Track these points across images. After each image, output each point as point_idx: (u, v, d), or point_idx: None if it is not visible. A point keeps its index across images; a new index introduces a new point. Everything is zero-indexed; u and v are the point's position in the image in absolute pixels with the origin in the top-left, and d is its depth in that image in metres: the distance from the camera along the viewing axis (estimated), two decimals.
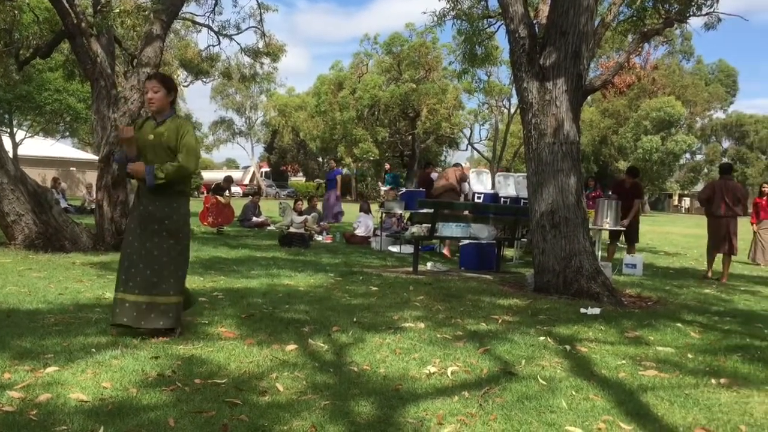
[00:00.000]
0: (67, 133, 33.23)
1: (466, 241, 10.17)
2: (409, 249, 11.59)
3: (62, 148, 40.59)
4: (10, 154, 10.48)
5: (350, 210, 24.17)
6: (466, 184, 12.97)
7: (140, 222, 4.63)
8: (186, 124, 4.73)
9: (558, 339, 5.13)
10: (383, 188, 19.13)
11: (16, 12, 13.96)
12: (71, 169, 38.30)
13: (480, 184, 14.23)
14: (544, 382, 3.96)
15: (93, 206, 13.00)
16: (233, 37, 17.03)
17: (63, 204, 16.26)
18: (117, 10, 10.56)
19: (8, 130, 22.36)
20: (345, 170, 48.02)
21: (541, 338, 5.13)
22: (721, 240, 10.25)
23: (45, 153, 36.75)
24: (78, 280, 7.01)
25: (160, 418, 3.11)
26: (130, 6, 10.96)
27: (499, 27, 14.23)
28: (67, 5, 10.24)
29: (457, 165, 13.60)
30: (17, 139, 25.54)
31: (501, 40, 29.28)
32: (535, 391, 3.80)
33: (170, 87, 4.73)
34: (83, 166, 38.61)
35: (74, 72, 16.60)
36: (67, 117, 24.32)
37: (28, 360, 3.89)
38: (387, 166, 21.60)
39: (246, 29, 17.27)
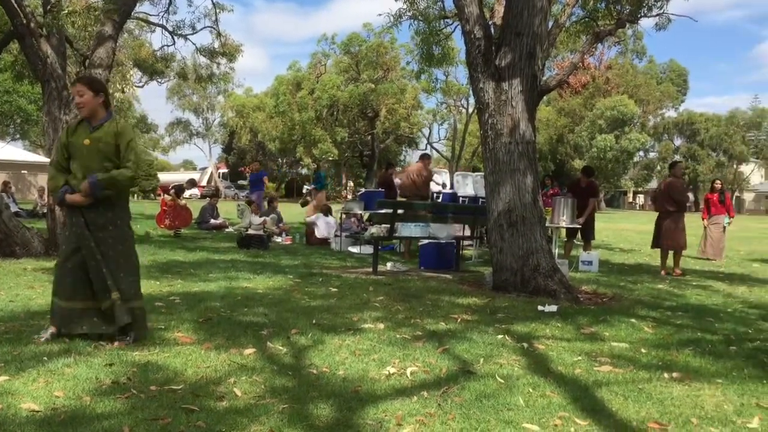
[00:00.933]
0: (18, 136, 32.45)
1: (426, 241, 10.22)
2: (369, 249, 11.60)
3: (13, 151, 39.48)
4: None
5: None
6: (435, 181, 12.94)
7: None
8: (126, 130, 4.61)
9: (516, 337, 5.19)
10: (307, 187, 19.03)
11: None
12: (22, 172, 37.32)
13: (438, 184, 14.31)
14: (502, 380, 4.00)
15: (45, 210, 12.69)
16: (188, 37, 16.79)
17: (14, 208, 15.86)
18: (67, 11, 10.32)
19: None
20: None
21: (500, 336, 5.18)
22: (661, 236, 10.58)
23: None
24: (29, 286, 6.84)
25: (115, 426, 3.06)
26: (81, 6, 10.73)
27: (455, 28, 14.33)
28: (15, 5, 9.97)
29: (425, 156, 13.41)
30: None
31: (458, 41, 29.53)
32: (493, 389, 3.84)
33: (97, 89, 4.57)
34: (35, 168, 37.66)
35: (24, 73, 16.18)
36: (18, 119, 23.76)
37: None
38: (315, 166, 21.23)
39: (201, 29, 17.02)
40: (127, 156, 4.50)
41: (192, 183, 17.90)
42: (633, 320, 6.10)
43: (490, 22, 8.60)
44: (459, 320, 5.81)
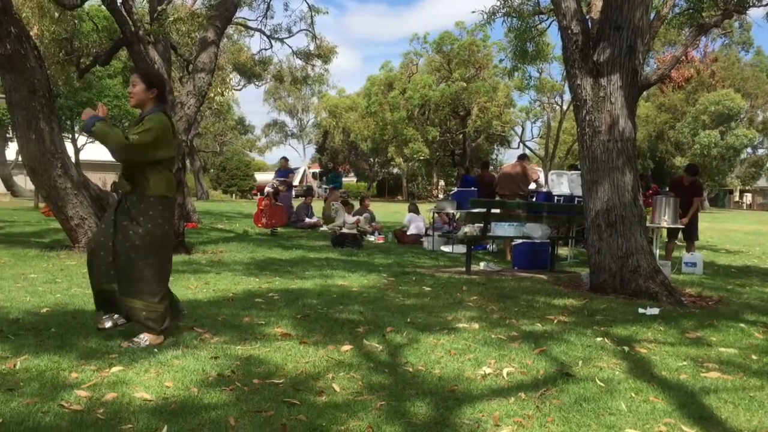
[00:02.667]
0: None
1: (520, 241, 10.09)
2: (461, 249, 11.56)
3: None
4: (73, 160, 10.84)
5: (400, 209, 24.19)
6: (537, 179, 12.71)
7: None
8: (152, 120, 4.45)
9: (616, 340, 5.05)
10: (325, 187, 18.52)
11: (76, 21, 14.47)
12: None
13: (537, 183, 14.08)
14: (603, 384, 3.90)
15: None
16: (285, 40, 17.29)
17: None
18: (172, 18, 10.82)
19: (70, 136, 23.10)
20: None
21: (599, 339, 5.05)
22: None
23: (105, 157, 37.85)
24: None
25: (221, 417, 3.18)
26: (185, 13, 11.22)
27: (550, 23, 14.07)
28: (125, 13, 10.54)
29: (522, 157, 13.18)
30: (78, 144, 26.44)
31: (553, 37, 28.92)
32: (593, 392, 3.75)
33: (150, 82, 4.55)
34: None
35: None
36: (126, 122, 24.97)
37: (94, 360, 4.02)
38: (331, 167, 20.14)
39: (297, 32, 17.53)
40: (137, 130, 4.39)
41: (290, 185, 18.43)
42: (742, 325, 5.80)
43: (587, 17, 8.40)
44: (555, 321, 5.70)
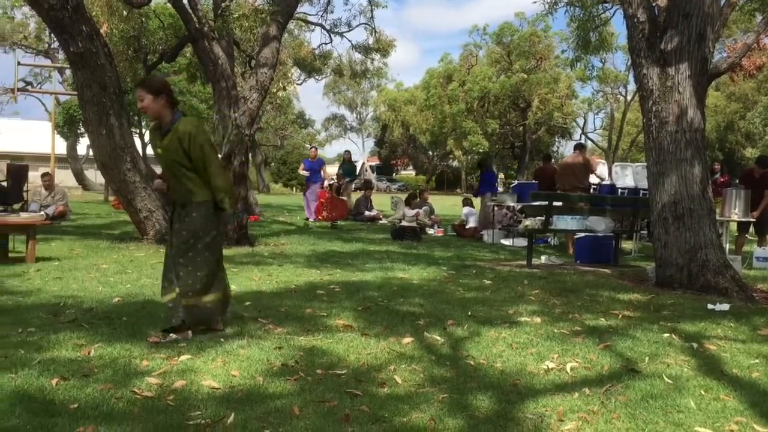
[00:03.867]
0: None
1: (582, 234, 9.91)
2: (521, 242, 11.43)
3: None
4: (141, 154, 11.18)
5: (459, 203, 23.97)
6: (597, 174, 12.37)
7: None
8: (187, 132, 4.32)
9: (684, 336, 4.92)
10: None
11: (143, 19, 14.88)
12: None
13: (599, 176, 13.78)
14: (670, 381, 3.81)
15: None
16: (344, 34, 17.38)
17: None
18: (236, 14, 11.01)
19: (138, 131, 23.76)
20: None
21: (665, 335, 4.92)
22: None
23: None
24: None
25: (286, 406, 3.24)
26: (248, 9, 11.41)
27: (615, 12, 13.77)
28: (190, 10, 10.78)
29: (580, 146, 12.79)
30: (146, 139, 27.11)
31: (617, 26, 28.20)
32: (661, 389, 3.66)
33: (156, 90, 4.32)
34: None
35: (196, 74, 17.47)
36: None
37: (164, 348, 4.15)
38: (346, 156, 18.23)
39: (357, 26, 17.61)
40: (199, 168, 4.37)
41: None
42: None
43: (653, 4, 8.17)
44: (620, 316, 5.59)
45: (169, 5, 13.58)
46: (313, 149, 17.41)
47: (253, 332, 4.59)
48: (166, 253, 4.64)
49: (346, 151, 18.85)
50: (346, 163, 17.21)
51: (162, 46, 15.63)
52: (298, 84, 36.40)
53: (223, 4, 10.89)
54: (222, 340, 4.36)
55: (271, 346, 4.26)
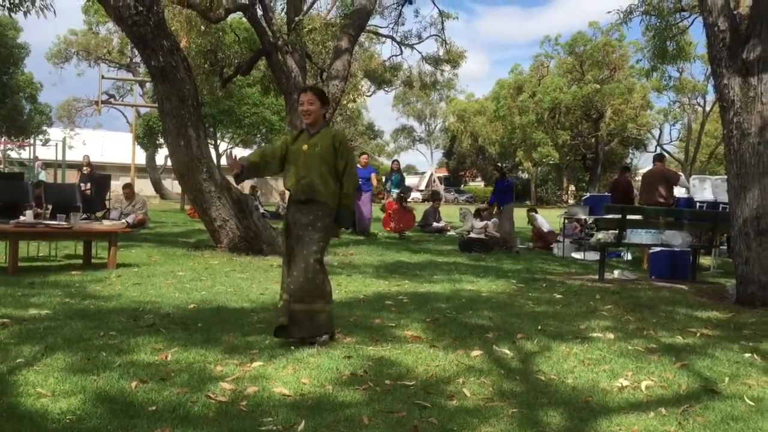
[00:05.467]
0: (263, 144, 35.81)
1: (657, 249, 9.63)
2: (593, 256, 11.19)
3: None
4: (215, 164, 11.50)
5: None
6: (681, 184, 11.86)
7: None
8: (340, 135, 4.90)
9: (766, 356, 4.71)
10: (391, 192, 15.50)
11: (220, 33, 15.33)
12: (266, 177, 41.13)
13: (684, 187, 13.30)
14: (752, 403, 3.65)
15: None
16: (415, 46, 17.47)
17: (261, 210, 17.52)
18: (308, 28, 11.23)
19: (213, 142, 24.49)
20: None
21: (747, 355, 4.73)
22: None
23: None
24: (276, 281, 7.50)
25: (355, 415, 3.27)
26: (320, 23, 11.62)
27: (693, 20, 13.39)
28: (264, 25, 11.07)
29: (660, 157, 12.38)
30: (220, 150, 27.95)
31: (696, 35, 27.36)
32: (742, 411, 3.52)
33: (324, 100, 4.88)
34: (277, 174, 41.25)
35: (270, 87, 17.87)
36: (263, 129, 26.17)
37: (237, 355, 4.25)
38: (394, 165, 17.16)
39: (427, 38, 17.65)
40: (341, 169, 4.71)
41: (406, 191, 18.10)
42: None
43: (735, 12, 7.91)
44: (698, 335, 5.40)
45: (244, 20, 14.00)
46: (364, 156, 16.87)
47: (321, 341, 4.64)
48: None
49: (394, 161, 18.37)
50: (395, 173, 16.54)
51: (237, 60, 16.04)
52: (367, 95, 36.78)
53: (296, 19, 11.13)
54: (292, 347, 4.44)
55: (341, 355, 4.31)
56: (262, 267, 8.74)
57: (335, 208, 4.70)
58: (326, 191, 4.66)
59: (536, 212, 14.66)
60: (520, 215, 15.09)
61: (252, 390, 3.57)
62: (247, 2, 11.34)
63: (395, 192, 15.39)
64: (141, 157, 33.66)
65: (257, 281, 7.45)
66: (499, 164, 15.70)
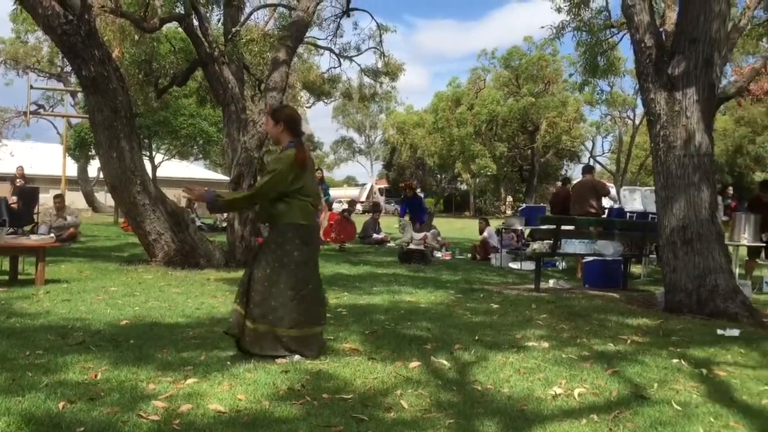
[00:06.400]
0: (200, 156, 35.22)
1: (591, 258, 9.88)
2: (529, 266, 11.40)
3: (195, 170, 43.06)
4: (150, 176, 11.26)
5: (467, 225, 23.98)
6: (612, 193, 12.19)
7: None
8: (275, 158, 4.78)
9: (693, 362, 4.88)
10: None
11: (155, 44, 15.03)
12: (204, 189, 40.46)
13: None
14: (679, 408, 3.77)
15: (224, 225, 13.68)
16: (353, 58, 17.51)
17: (197, 223, 17.22)
18: (245, 39, 11.12)
19: (148, 154, 23.93)
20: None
21: (675, 360, 4.89)
22: None
23: (180, 174, 39.17)
24: (212, 295, 7.40)
25: (292, 430, 3.23)
26: (258, 34, 11.52)
27: (622, 37, 13.84)
28: (200, 35, 10.92)
29: (589, 168, 12.73)
30: (156, 161, 27.44)
31: (624, 50, 28.30)
32: (670, 416, 3.63)
33: (276, 118, 4.77)
34: (215, 186, 40.39)
35: (206, 98, 17.62)
36: (200, 140, 25.71)
37: (170, 371, 4.15)
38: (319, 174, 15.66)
39: (366, 50, 17.71)
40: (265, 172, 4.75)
41: (353, 204, 18.09)
42: None
43: (661, 29, 8.22)
44: (629, 342, 5.55)
45: (180, 30, 13.76)
46: (318, 171, 16.68)
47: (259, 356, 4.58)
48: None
49: (317, 169, 17.80)
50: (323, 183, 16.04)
51: (173, 70, 15.76)
52: (307, 107, 36.66)
53: (233, 30, 11.02)
54: (228, 363, 4.36)
55: (278, 369, 4.25)
56: (198, 281, 8.58)
57: (287, 225, 4.62)
58: (276, 212, 4.63)
59: (488, 224, 14.83)
60: (470, 225, 15.26)
61: (186, 408, 3.49)
62: (183, 12, 11.17)
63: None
64: (72, 169, 32.63)
65: (193, 296, 7.31)
66: (411, 181, 15.76)
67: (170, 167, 36.01)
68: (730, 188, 15.22)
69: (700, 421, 3.55)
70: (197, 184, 40.01)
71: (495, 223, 15.67)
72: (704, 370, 4.62)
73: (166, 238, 9.85)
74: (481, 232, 14.75)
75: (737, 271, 9.50)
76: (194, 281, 8.56)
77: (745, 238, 9.68)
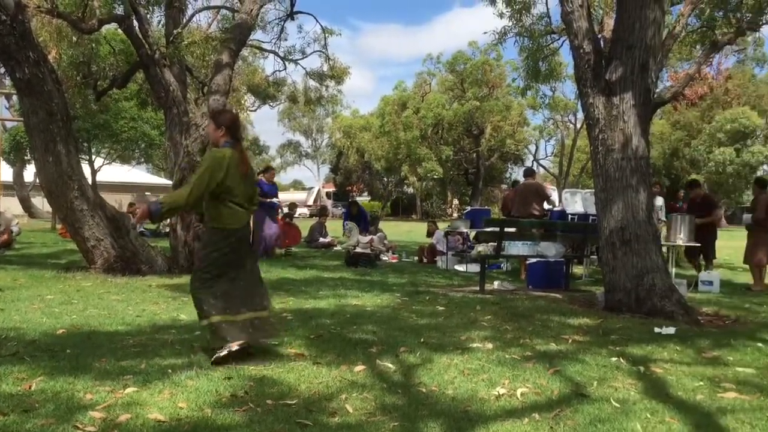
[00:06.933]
0: (142, 160, 34.49)
1: (534, 260, 10.04)
2: (475, 268, 11.52)
3: (137, 174, 42.16)
4: (90, 181, 10.96)
5: (414, 228, 24.09)
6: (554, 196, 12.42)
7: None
8: (209, 153, 4.81)
9: (631, 359, 5.01)
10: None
11: (93, 45, 14.67)
12: (146, 193, 39.70)
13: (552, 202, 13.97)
14: (618, 405, 3.87)
15: (167, 230, 13.40)
16: (299, 61, 17.44)
17: (139, 228, 16.83)
18: (187, 41, 10.94)
19: (87, 158, 23.31)
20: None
21: (614, 359, 5.01)
22: None
23: (121, 179, 38.27)
24: (154, 302, 7.25)
25: None
26: (200, 37, 11.36)
27: (563, 43, 14.13)
28: (141, 37, 10.69)
29: (531, 172, 12.95)
30: (95, 166, 26.76)
31: (565, 56, 28.96)
32: (608, 413, 3.72)
33: (218, 123, 4.80)
34: (158, 190, 39.95)
35: (148, 101, 17.29)
36: (142, 144, 25.19)
37: (109, 381, 4.04)
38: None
39: (311, 53, 17.67)
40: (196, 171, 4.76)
41: (293, 207, 17.92)
42: (759, 344, 5.73)
43: (599, 36, 8.43)
44: (570, 341, 5.67)
45: (120, 31, 13.45)
46: (271, 172, 15.33)
47: (202, 362, 4.51)
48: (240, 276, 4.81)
49: (270, 169, 15.69)
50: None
51: (113, 72, 15.41)
52: (252, 110, 36.31)
53: (174, 31, 10.83)
54: (169, 371, 4.27)
55: (221, 376, 4.19)
56: (139, 288, 8.38)
57: (214, 229, 4.74)
58: (207, 215, 4.78)
59: (437, 226, 14.95)
60: (416, 228, 15.33)
61: (124, 417, 3.41)
62: (123, 13, 10.92)
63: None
64: (7, 174, 31.55)
65: (134, 303, 7.14)
66: (352, 199, 15.76)
67: (111, 172, 35.19)
68: (682, 192, 15.69)
69: (637, 417, 3.65)
70: (139, 189, 39.28)
71: (441, 226, 15.77)
72: (642, 368, 4.75)
73: (105, 244, 9.61)
74: (430, 234, 14.86)
75: (673, 270, 9.80)
76: (135, 288, 8.36)
77: (681, 238, 10.00)
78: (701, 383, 4.40)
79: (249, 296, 4.80)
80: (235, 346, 4.50)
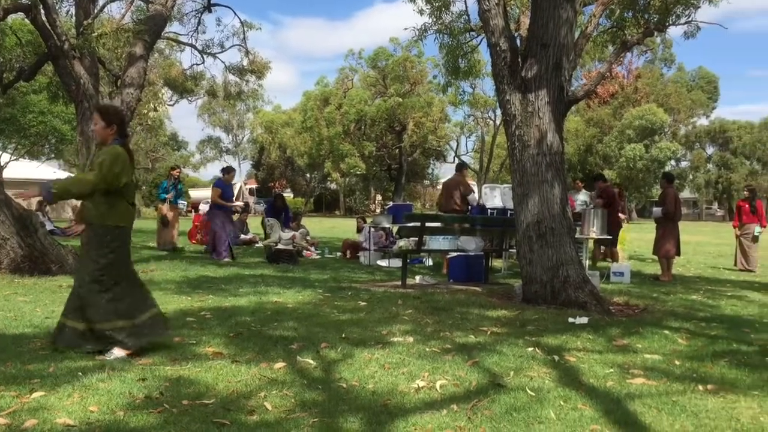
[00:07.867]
0: (53, 155, 33.12)
1: (455, 254, 10.19)
2: (397, 263, 11.60)
3: (48, 170, 40.34)
4: None
5: (337, 225, 24.13)
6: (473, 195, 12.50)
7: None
8: (104, 152, 4.70)
9: (546, 349, 5.15)
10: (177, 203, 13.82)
11: None
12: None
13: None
14: (533, 393, 3.97)
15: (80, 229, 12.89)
16: (217, 55, 17.09)
17: (49, 226, 16.13)
18: (97, 33, 10.55)
19: None
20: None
21: (530, 349, 5.14)
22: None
23: (31, 175, 36.58)
24: (64, 303, 6.95)
25: None
26: (110, 28, 10.96)
27: (481, 40, 14.33)
28: (49, 28, 10.24)
29: (461, 166, 13.05)
30: (2, 162, 25.51)
31: (484, 53, 29.45)
32: (524, 402, 3.81)
33: (109, 120, 4.76)
34: None
35: (58, 94, 16.57)
36: (52, 139, 24.25)
37: (14, 385, 3.85)
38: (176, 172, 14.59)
39: (230, 47, 17.35)
40: (94, 167, 4.67)
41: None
42: (666, 332, 6.01)
43: (515, 34, 8.62)
44: (488, 333, 5.78)
45: (27, 21, 12.84)
46: (176, 170, 14.72)
47: (114, 364, 4.36)
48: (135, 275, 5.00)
49: (175, 168, 15.31)
50: (179, 182, 14.48)
51: (19, 64, 14.71)
52: (169, 105, 35.39)
53: (85, 22, 10.42)
54: (80, 373, 4.11)
55: (134, 378, 4.06)
56: (49, 288, 8.04)
57: (107, 226, 4.72)
58: (96, 212, 4.70)
59: (365, 222, 14.99)
60: (340, 224, 15.28)
61: (31, 423, 3.26)
62: (29, 2, 10.43)
63: (182, 203, 14.47)
64: None
65: (42, 304, 6.84)
66: (276, 193, 15.78)
67: (20, 168, 33.65)
68: (579, 182, 16.29)
69: (551, 405, 3.76)
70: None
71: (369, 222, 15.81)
72: (556, 357, 4.89)
73: (12, 243, 9.16)
74: (359, 230, 14.88)
75: (587, 263, 10.15)
76: (44, 289, 8.01)
77: (594, 231, 10.35)
78: (611, 370, 4.57)
79: (142, 296, 4.88)
80: (131, 351, 4.62)
